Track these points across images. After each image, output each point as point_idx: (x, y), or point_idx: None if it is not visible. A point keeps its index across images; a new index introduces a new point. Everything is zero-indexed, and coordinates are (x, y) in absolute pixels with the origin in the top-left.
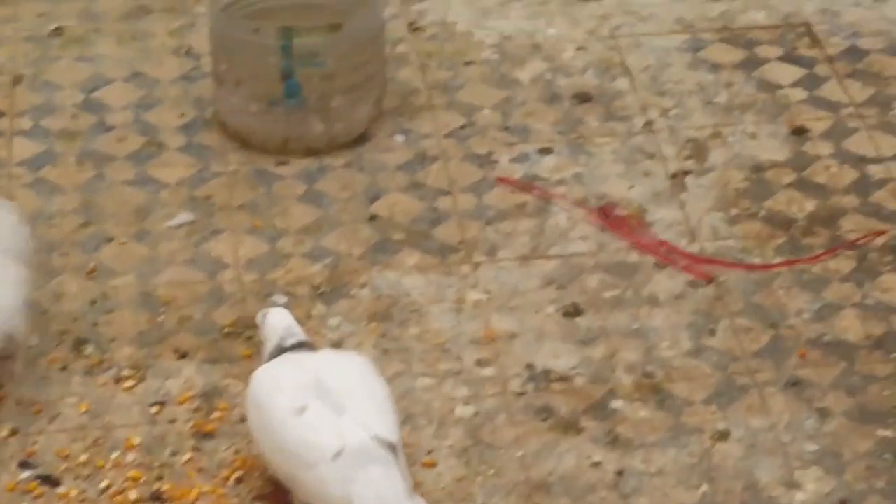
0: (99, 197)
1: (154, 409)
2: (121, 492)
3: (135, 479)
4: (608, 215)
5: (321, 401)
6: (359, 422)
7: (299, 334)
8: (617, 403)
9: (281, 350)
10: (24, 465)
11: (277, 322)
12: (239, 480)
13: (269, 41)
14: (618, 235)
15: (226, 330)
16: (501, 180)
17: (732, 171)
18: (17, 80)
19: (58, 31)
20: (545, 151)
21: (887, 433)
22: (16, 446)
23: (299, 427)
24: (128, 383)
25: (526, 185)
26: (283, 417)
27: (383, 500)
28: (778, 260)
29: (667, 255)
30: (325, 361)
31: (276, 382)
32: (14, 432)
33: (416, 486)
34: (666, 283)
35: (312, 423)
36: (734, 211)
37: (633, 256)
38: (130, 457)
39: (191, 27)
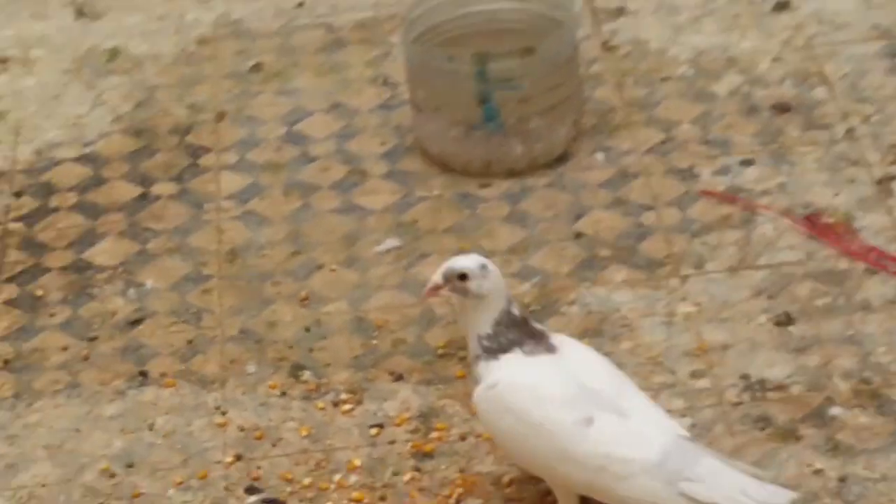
0: (307, 226)
1: (373, 431)
2: None
3: (358, 501)
4: (815, 224)
5: (599, 408)
6: (652, 423)
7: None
8: (835, 410)
9: (510, 316)
10: (250, 489)
11: (501, 282)
12: (460, 499)
13: (464, 67)
14: (826, 243)
15: (439, 351)
16: (705, 193)
17: None
18: (220, 117)
19: (257, 67)
20: (747, 163)
21: None
22: (241, 471)
23: (599, 442)
24: (346, 406)
25: (730, 196)
26: (571, 431)
27: (720, 488)
28: None
29: (877, 261)
30: (573, 361)
31: (539, 393)
32: (238, 458)
33: None
34: (879, 288)
35: (611, 434)
36: None
37: (843, 263)
38: (353, 478)
39: (386, 56)
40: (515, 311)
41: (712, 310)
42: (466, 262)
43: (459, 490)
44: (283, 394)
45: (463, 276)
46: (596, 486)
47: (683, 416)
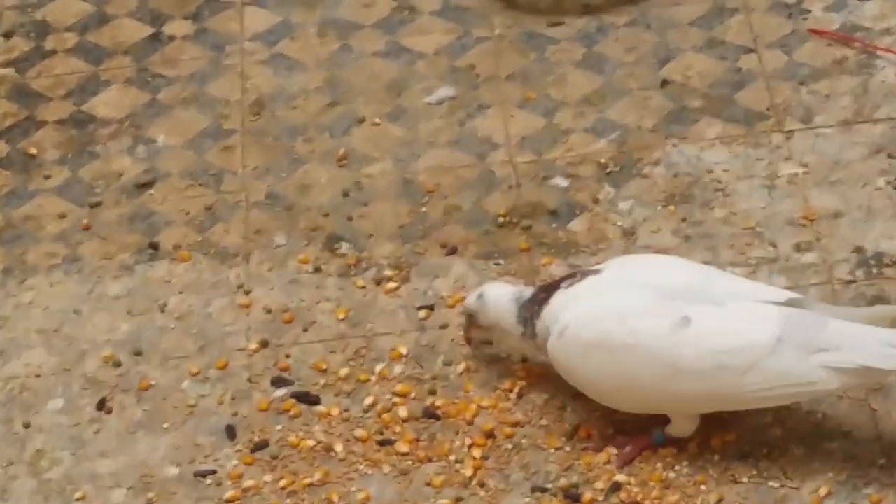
0: (345, 72)
1: (422, 314)
2: (388, 409)
3: (403, 395)
4: None
5: (689, 303)
6: (756, 300)
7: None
8: None
9: (525, 304)
10: (277, 381)
11: (499, 296)
12: (522, 394)
13: None
14: None
15: (499, 220)
16: (815, 32)
17: None
18: None
19: None
20: None
21: None
22: (267, 361)
23: (704, 339)
24: (390, 285)
25: (845, 37)
26: (669, 339)
27: (861, 348)
28: None
29: None
30: (630, 269)
31: (616, 311)
32: (264, 344)
33: None
34: None
35: (716, 326)
36: None
37: None
38: (397, 369)
39: None
40: (527, 295)
41: (822, 171)
42: (468, 301)
43: (521, 384)
44: (317, 270)
45: (472, 316)
46: (718, 393)
47: None
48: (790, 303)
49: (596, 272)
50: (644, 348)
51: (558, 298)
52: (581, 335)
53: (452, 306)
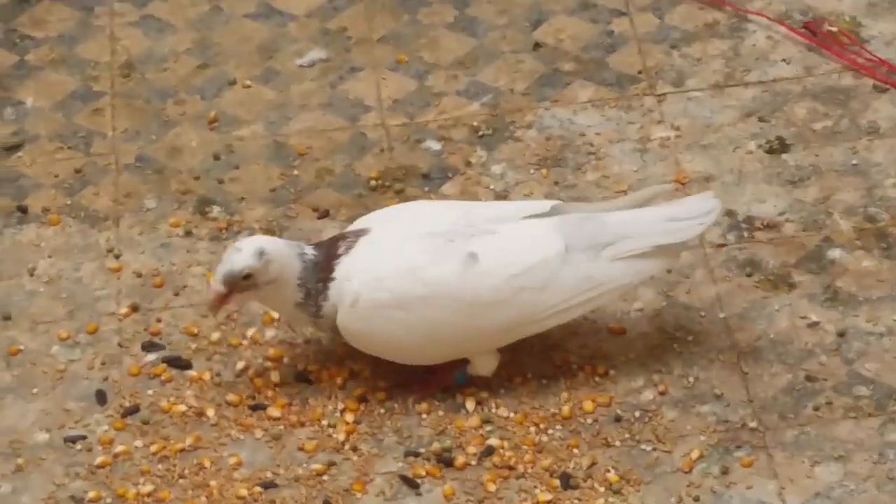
0: (217, 34)
1: None
2: (260, 374)
3: (275, 359)
4: (815, 32)
5: (468, 240)
6: (516, 218)
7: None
8: (835, 253)
9: (309, 266)
10: (148, 346)
11: (286, 252)
12: None
13: None
14: (828, 56)
15: (371, 183)
16: None
17: None
18: None
19: None
20: None
21: None
22: (138, 325)
23: (496, 268)
24: None
25: (717, 0)
26: (464, 278)
27: (647, 231)
28: None
29: (888, 77)
30: (398, 220)
31: (403, 268)
32: (135, 309)
33: (604, 356)
34: (888, 109)
35: (502, 253)
36: None
37: (847, 79)
38: (269, 333)
39: None
40: (310, 255)
41: (693, 134)
42: (244, 260)
43: None
44: (188, 233)
45: (247, 277)
46: (520, 319)
47: None
48: (555, 210)
49: (364, 232)
50: (442, 296)
51: (341, 271)
52: (376, 299)
53: None
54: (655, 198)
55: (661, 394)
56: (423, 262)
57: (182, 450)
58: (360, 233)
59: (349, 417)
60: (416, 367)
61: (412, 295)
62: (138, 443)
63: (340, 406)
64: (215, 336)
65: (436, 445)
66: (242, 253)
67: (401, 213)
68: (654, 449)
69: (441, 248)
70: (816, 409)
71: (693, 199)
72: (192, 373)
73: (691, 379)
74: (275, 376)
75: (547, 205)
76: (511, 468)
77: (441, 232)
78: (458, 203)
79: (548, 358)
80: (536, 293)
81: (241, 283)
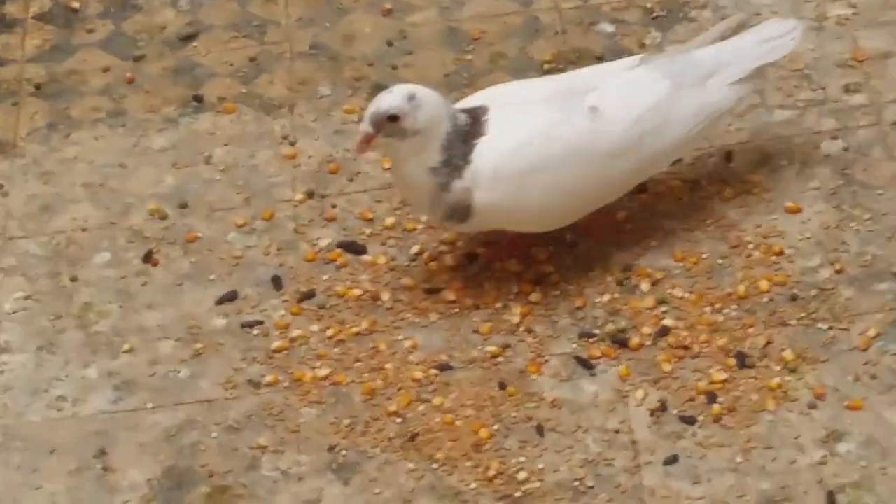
0: None
1: None
2: (435, 258)
3: (451, 243)
4: None
5: (584, 96)
6: (615, 73)
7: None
8: None
9: (457, 131)
10: (324, 231)
11: (437, 102)
12: (575, 242)
13: None
14: None
15: (545, 66)
16: None
17: None
18: None
19: None
20: None
21: None
22: (313, 211)
23: (618, 118)
24: None
25: None
26: (595, 133)
27: (747, 55)
28: None
29: None
30: (522, 90)
31: (540, 130)
32: (310, 195)
33: (780, 235)
34: None
35: (618, 104)
36: None
37: None
38: None
39: None
40: (463, 120)
41: (871, 12)
42: (392, 100)
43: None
44: (361, 119)
45: (394, 118)
46: (650, 158)
47: (835, 138)
48: (644, 61)
49: (483, 109)
50: (576, 150)
51: (478, 151)
52: (516, 166)
53: None
54: (730, 30)
55: (838, 272)
56: (551, 122)
57: (357, 333)
58: (476, 110)
59: (526, 299)
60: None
61: (549, 155)
62: (314, 327)
63: (515, 289)
64: (390, 220)
65: (610, 326)
66: (393, 94)
67: (506, 90)
68: (831, 328)
69: (563, 107)
70: None
71: (772, 23)
72: (367, 257)
73: (868, 257)
74: (449, 260)
75: (636, 59)
76: (686, 348)
77: (554, 94)
78: (552, 76)
79: (723, 237)
80: (660, 132)
81: (387, 126)
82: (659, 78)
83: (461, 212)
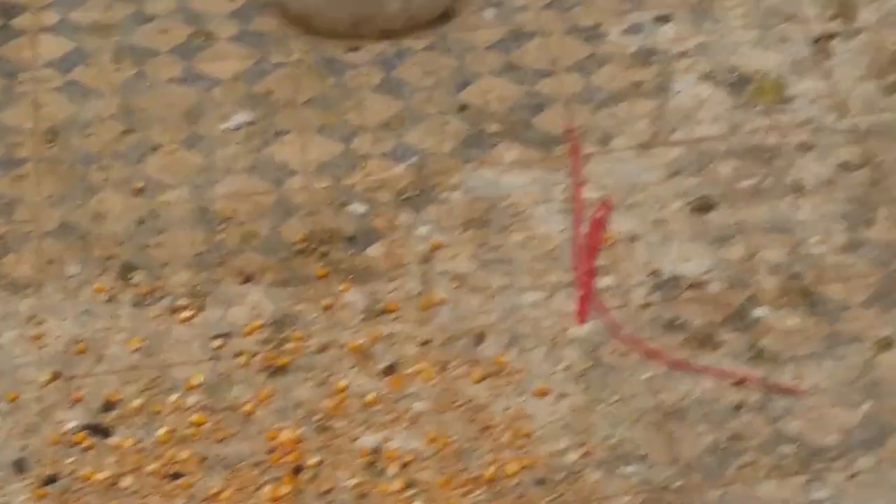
0: (141, 99)
1: (216, 343)
2: (181, 441)
3: (198, 425)
4: None
5: None
6: None
7: None
8: (760, 311)
9: None
10: (70, 413)
11: None
12: (324, 420)
13: None
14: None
15: (296, 247)
16: None
17: (887, 30)
18: None
19: None
20: (663, 20)
21: None
22: (60, 392)
23: None
24: (185, 314)
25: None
26: None
27: None
28: None
29: None
30: None
31: None
32: (56, 376)
33: (528, 418)
34: (813, 167)
35: None
36: (892, 78)
37: (773, 138)
38: (192, 398)
39: None
40: None
41: (619, 194)
42: None
43: (319, 414)
44: (111, 299)
45: None
46: None
47: (583, 322)
48: None
49: None
50: None
51: None
52: None
53: (248, 334)
54: None
55: (586, 455)
56: None
57: None
58: None
59: (279, 487)
60: None
61: None
62: None
63: (264, 476)
64: (137, 402)
65: None
66: None
67: None
68: None
69: None
70: (741, 468)
71: None
72: (114, 440)
73: (615, 440)
74: (195, 444)
75: None
76: None
77: None
78: None
79: (472, 420)
80: None
81: None
82: None
83: None
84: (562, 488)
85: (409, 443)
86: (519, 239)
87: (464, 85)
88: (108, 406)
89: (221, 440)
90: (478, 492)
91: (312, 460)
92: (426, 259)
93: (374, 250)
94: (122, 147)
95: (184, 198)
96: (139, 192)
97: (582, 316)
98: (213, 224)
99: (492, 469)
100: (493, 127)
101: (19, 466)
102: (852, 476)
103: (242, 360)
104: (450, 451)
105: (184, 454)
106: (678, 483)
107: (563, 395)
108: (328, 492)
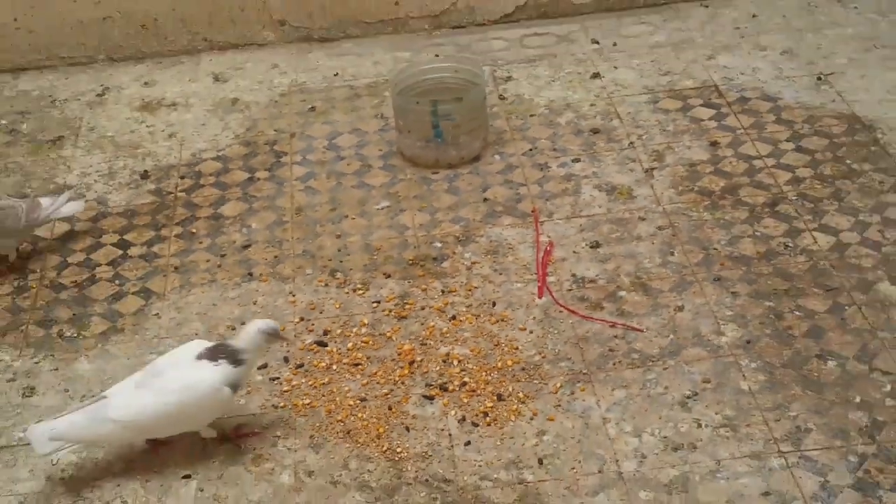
0: (339, 194)
1: (374, 305)
2: (358, 347)
3: (366, 342)
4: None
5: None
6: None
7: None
8: (622, 293)
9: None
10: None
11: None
12: (423, 342)
13: (425, 108)
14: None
15: (409, 262)
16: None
17: (678, 167)
18: (292, 135)
19: (312, 109)
20: (576, 160)
21: (770, 303)
22: (303, 326)
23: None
24: (360, 291)
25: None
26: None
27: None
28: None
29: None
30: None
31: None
32: (301, 319)
33: (515, 341)
34: (645, 228)
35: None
36: (680, 188)
37: (627, 213)
38: (363, 330)
39: (382, 102)
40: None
41: (557, 239)
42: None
43: (422, 337)
44: (326, 285)
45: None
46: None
47: (541, 297)
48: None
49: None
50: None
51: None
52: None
53: (388, 301)
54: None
55: (542, 357)
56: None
57: None
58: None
59: (404, 370)
60: None
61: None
62: None
63: (397, 366)
64: (338, 331)
65: None
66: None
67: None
68: None
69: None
70: (614, 364)
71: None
72: (328, 349)
73: (557, 352)
74: (364, 350)
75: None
76: None
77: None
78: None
79: (490, 340)
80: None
81: None
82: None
83: None
84: (531, 373)
85: (462, 351)
86: (511, 259)
87: (485, 189)
88: (325, 333)
89: (377, 349)
90: (493, 374)
91: (418, 359)
92: (468, 269)
93: (445, 264)
94: (331, 216)
95: (359, 238)
96: (339, 236)
97: (540, 294)
98: (372, 251)
99: (499, 363)
100: (499, 208)
101: (286, 361)
102: (665, 369)
103: (385, 312)
104: (481, 355)
105: (359, 355)
106: (585, 371)
107: (531, 331)
108: (425, 373)
